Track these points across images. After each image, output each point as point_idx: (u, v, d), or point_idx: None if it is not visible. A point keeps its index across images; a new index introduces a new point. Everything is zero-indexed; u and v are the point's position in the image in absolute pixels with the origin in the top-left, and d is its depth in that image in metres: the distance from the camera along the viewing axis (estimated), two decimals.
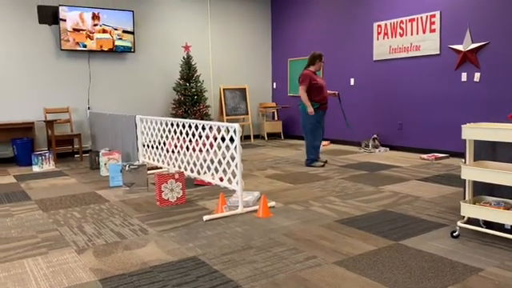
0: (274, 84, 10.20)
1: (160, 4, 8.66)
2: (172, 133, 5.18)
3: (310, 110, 5.86)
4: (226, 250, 2.99)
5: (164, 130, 5.33)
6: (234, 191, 4.20)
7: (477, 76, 6.28)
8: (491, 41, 6.05)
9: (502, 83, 5.92)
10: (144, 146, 5.89)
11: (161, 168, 5.60)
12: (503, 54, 5.91)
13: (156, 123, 5.51)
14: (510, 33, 5.82)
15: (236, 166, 3.90)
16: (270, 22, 10.09)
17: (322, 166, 6.08)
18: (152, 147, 5.74)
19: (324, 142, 8.32)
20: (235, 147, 3.89)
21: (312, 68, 6.03)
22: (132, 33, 8.13)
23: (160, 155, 5.53)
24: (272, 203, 4.08)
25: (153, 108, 8.61)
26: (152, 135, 5.67)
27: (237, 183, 3.93)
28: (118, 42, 8.03)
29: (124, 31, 8.05)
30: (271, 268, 2.67)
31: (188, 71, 8.45)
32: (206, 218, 3.70)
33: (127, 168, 4.86)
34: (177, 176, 4.28)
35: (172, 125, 5.15)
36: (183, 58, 8.50)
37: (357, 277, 2.52)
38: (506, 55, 5.87)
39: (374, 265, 2.69)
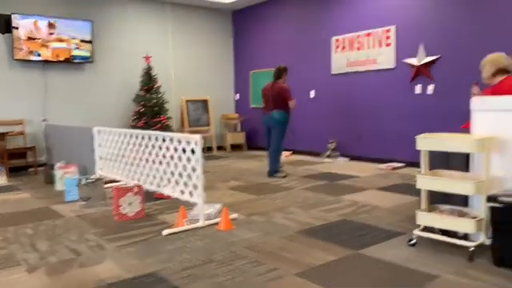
0: (237, 95, 10.21)
1: (120, 14, 8.52)
2: (131, 145, 5.06)
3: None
4: (187, 265, 2.93)
5: (122, 142, 5.20)
6: (195, 204, 4.13)
7: (430, 88, 6.53)
8: (443, 55, 6.32)
9: (454, 95, 6.18)
10: (101, 158, 5.73)
11: (119, 181, 5.45)
12: (454, 67, 6.18)
13: (114, 135, 5.37)
14: (460, 47, 6.10)
15: (197, 178, 3.84)
16: (231, 34, 10.13)
17: (285, 176, 6.12)
18: (110, 160, 5.58)
19: (286, 153, 8.38)
20: (197, 159, 3.84)
21: (281, 81, 6.19)
22: (90, 42, 7.94)
23: (118, 168, 5.38)
24: (234, 215, 4.04)
25: (112, 120, 8.41)
26: (110, 147, 5.52)
27: (198, 196, 3.87)
28: (75, 52, 7.82)
29: (82, 41, 7.85)
30: (232, 282, 2.64)
31: (149, 82, 8.32)
32: (165, 232, 3.61)
33: (84, 182, 4.70)
34: (136, 189, 4.18)
35: (131, 136, 5.04)
36: (144, 68, 8.38)
37: None
38: (457, 68, 6.14)
39: (335, 275, 2.70)
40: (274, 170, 6.17)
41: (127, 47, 8.63)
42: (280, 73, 6.19)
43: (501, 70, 3.75)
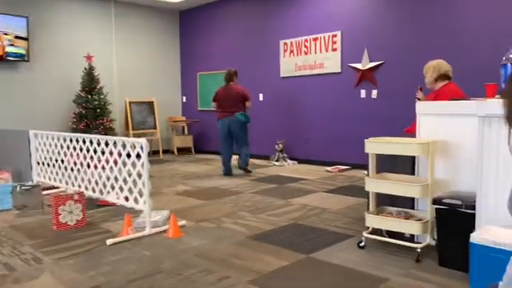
0: (184, 98, 10.01)
1: (59, 11, 8.07)
2: (71, 149, 4.78)
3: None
4: (133, 277, 2.77)
5: (62, 146, 4.90)
6: (141, 211, 3.95)
7: (374, 93, 6.72)
8: (386, 60, 6.53)
9: (397, 99, 6.41)
10: (39, 163, 5.37)
11: (58, 188, 5.13)
12: (397, 72, 6.41)
13: (53, 139, 5.05)
14: (402, 53, 6.33)
15: (143, 184, 3.68)
16: (178, 35, 9.93)
17: (251, 171, 6.72)
18: (48, 165, 5.24)
19: (234, 157, 8.30)
20: (142, 164, 3.68)
21: (233, 84, 6.50)
22: (26, 39, 7.45)
23: (57, 174, 5.06)
24: (182, 222, 3.91)
25: (50, 122, 7.93)
26: (48, 152, 5.18)
27: (144, 203, 3.70)
28: (9, 49, 7.31)
29: (17, 37, 7.35)
30: None
31: (90, 83, 7.95)
32: (109, 241, 3.42)
33: (18, 189, 4.37)
34: (76, 197, 3.94)
35: (71, 140, 4.75)
36: (85, 68, 7.99)
37: None
38: (399, 74, 6.37)
39: (287, 281, 2.66)
40: (246, 161, 6.66)
41: (67, 45, 8.19)
42: (231, 76, 6.48)
43: (442, 76, 3.91)
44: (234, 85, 6.47)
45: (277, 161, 7.62)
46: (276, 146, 7.69)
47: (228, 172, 6.59)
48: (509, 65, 2.51)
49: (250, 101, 6.50)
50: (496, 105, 2.43)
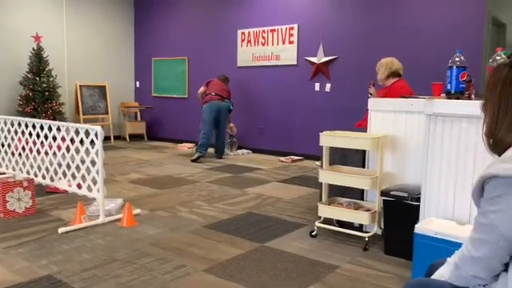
0: (137, 83, 9.80)
1: None
2: (19, 134, 4.58)
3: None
4: (87, 266, 2.75)
5: (9, 131, 4.69)
6: (93, 199, 3.88)
7: (328, 87, 6.91)
8: (340, 55, 6.72)
9: (349, 93, 6.62)
10: None
11: (4, 174, 4.92)
12: (350, 67, 6.62)
13: None
14: (355, 49, 6.54)
15: (97, 171, 3.62)
16: (132, 19, 9.66)
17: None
18: None
19: (189, 145, 8.27)
20: (96, 151, 3.61)
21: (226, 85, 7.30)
22: None
23: (3, 159, 4.85)
24: (137, 211, 3.88)
25: None
26: None
27: (98, 191, 3.64)
28: None
29: None
30: (138, 281, 2.54)
31: (38, 64, 7.59)
32: (61, 230, 3.34)
33: None
34: (25, 184, 3.80)
35: (20, 124, 4.57)
36: (33, 49, 7.61)
37: (226, 283, 2.54)
38: (352, 69, 6.59)
39: (242, 269, 2.74)
40: (223, 150, 7.17)
41: (12, 24, 7.75)
42: (225, 78, 7.36)
43: (393, 73, 4.11)
44: (225, 85, 7.26)
45: (231, 151, 7.62)
46: (228, 130, 7.57)
47: (203, 155, 6.74)
48: (454, 68, 2.69)
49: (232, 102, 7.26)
50: (442, 104, 2.61)
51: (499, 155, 1.18)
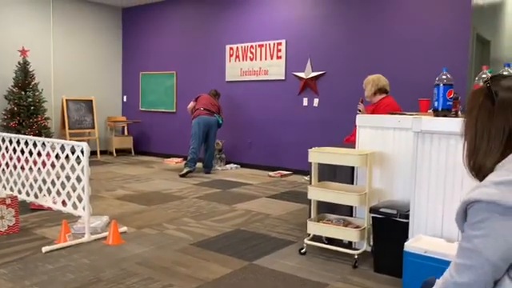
0: (125, 97, 9.74)
1: None
2: (3, 149, 4.50)
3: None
4: (71, 286, 2.68)
5: None
6: (79, 217, 3.81)
7: (316, 101, 6.95)
8: (327, 71, 6.78)
9: (337, 108, 6.66)
10: None
11: None
12: (337, 83, 6.67)
13: None
14: (341, 65, 6.60)
15: (83, 189, 3.55)
16: (121, 33, 9.64)
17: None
18: None
19: (177, 160, 8.22)
20: (82, 168, 3.55)
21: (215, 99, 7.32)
22: None
23: None
24: (123, 228, 3.82)
25: None
26: None
27: (83, 208, 3.58)
28: None
29: None
30: None
31: (24, 78, 7.51)
32: (45, 249, 3.26)
33: None
34: (8, 201, 3.72)
35: (3, 140, 4.49)
36: (18, 63, 7.53)
37: None
38: (339, 84, 6.64)
39: None
40: (212, 165, 7.16)
41: None
42: (216, 93, 7.39)
43: (380, 90, 4.15)
44: (215, 100, 7.27)
45: (219, 166, 7.58)
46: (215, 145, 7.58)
47: (192, 170, 6.71)
48: (441, 85, 2.72)
49: (222, 117, 7.27)
50: (429, 122, 2.63)
51: (480, 180, 1.18)
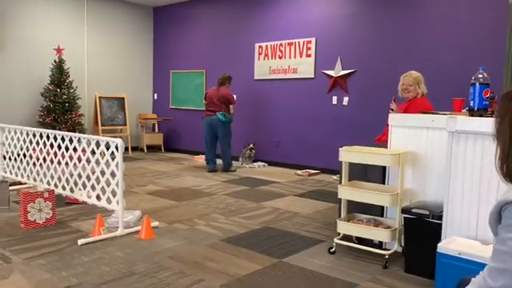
0: (155, 95, 9.91)
1: (28, 1, 7.82)
2: (41, 145, 4.67)
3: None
4: (106, 278, 2.76)
5: (31, 142, 4.78)
6: (112, 211, 3.92)
7: (345, 100, 6.89)
8: (358, 69, 6.71)
9: (367, 107, 6.59)
10: (5, 158, 5.21)
11: (25, 184, 5.00)
12: (368, 81, 6.60)
13: (21, 133, 4.92)
14: (373, 63, 6.52)
15: (117, 184, 3.65)
16: (152, 32, 9.81)
17: (235, 170, 7.00)
18: (15, 160, 5.10)
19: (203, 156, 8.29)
20: (116, 164, 3.65)
21: (224, 88, 6.90)
22: None
23: (25, 169, 4.93)
24: (155, 223, 3.90)
25: (16, 115, 7.67)
26: (16, 146, 5.04)
27: (117, 203, 3.68)
28: None
29: None
30: None
31: (60, 76, 7.76)
32: (81, 241, 3.38)
33: None
34: (46, 194, 3.86)
35: (41, 136, 4.65)
36: (54, 61, 7.79)
37: None
38: (370, 83, 6.56)
39: (260, 285, 2.72)
40: (228, 163, 6.96)
41: (36, 37, 7.95)
42: (224, 80, 6.91)
43: (423, 93, 4.07)
44: (224, 88, 6.91)
45: (245, 164, 7.63)
46: (244, 151, 7.69)
47: (211, 169, 6.94)
48: (477, 84, 2.66)
49: (233, 105, 6.95)
50: (465, 121, 2.58)
51: None
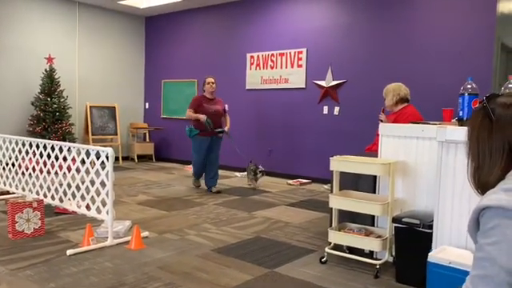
0: (147, 104, 9.89)
1: (19, 9, 7.80)
2: (30, 154, 4.62)
3: (202, 118, 5.77)
4: None
5: (20, 151, 4.73)
6: (101, 221, 3.87)
7: (336, 110, 6.93)
8: (349, 80, 6.76)
9: (357, 117, 6.63)
10: None
11: (13, 194, 4.94)
12: (358, 92, 6.65)
13: (10, 142, 4.87)
14: (363, 74, 6.58)
15: (107, 193, 3.62)
16: (143, 42, 9.82)
17: (198, 186, 6.31)
18: (4, 169, 5.04)
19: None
20: (107, 173, 3.62)
21: (205, 93, 6.12)
22: None
23: (14, 179, 4.87)
24: (145, 233, 3.87)
25: (5, 124, 7.59)
26: (4, 156, 4.99)
27: (107, 213, 3.64)
28: None
29: None
30: None
31: (50, 85, 7.71)
32: (69, 252, 3.33)
33: None
34: (35, 204, 3.81)
35: (31, 145, 4.61)
36: (45, 70, 7.74)
37: None
38: (361, 93, 6.61)
39: None
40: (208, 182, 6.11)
41: (27, 45, 7.91)
42: (202, 85, 6.23)
43: (401, 99, 4.12)
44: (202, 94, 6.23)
45: (254, 174, 6.45)
46: (252, 167, 6.53)
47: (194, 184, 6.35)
48: (466, 95, 2.70)
49: (188, 110, 5.99)
50: (454, 131, 2.60)
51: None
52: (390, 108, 4.21)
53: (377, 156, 3.44)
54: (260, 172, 6.41)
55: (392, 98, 4.13)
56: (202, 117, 5.79)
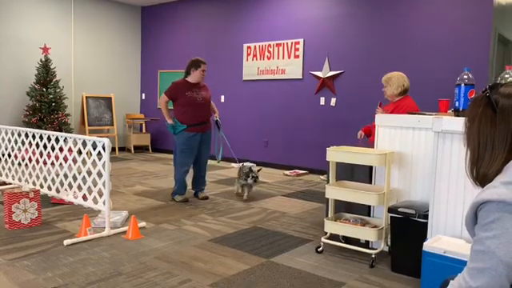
0: (143, 95, 9.85)
1: None
2: (27, 144, 4.61)
3: (169, 121, 4.93)
4: (92, 279, 2.73)
5: (16, 141, 4.72)
6: (99, 211, 3.88)
7: (333, 101, 6.93)
8: (345, 70, 6.75)
9: (354, 108, 6.64)
10: None
11: (10, 184, 4.94)
12: (355, 82, 6.64)
13: (6, 133, 4.85)
14: (360, 65, 6.57)
15: (103, 184, 3.62)
16: (139, 31, 9.75)
17: (185, 201, 4.85)
18: (0, 160, 5.03)
19: None
20: (103, 163, 3.62)
21: (189, 78, 4.87)
22: None
23: (10, 169, 4.86)
24: (142, 223, 3.88)
25: (1, 114, 7.57)
26: (0, 146, 4.97)
27: (103, 203, 3.64)
28: None
29: None
30: None
31: (46, 75, 7.66)
32: (67, 242, 3.34)
33: None
34: (31, 195, 3.81)
35: (27, 135, 4.59)
36: (41, 60, 7.69)
37: None
38: (357, 84, 6.61)
39: (248, 285, 2.72)
40: (174, 191, 4.96)
41: (22, 35, 7.85)
42: (188, 67, 4.92)
43: (405, 90, 4.09)
44: (184, 78, 5.11)
45: (253, 178, 5.02)
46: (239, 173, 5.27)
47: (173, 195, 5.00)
48: (462, 85, 2.70)
49: (161, 96, 5.18)
50: (450, 122, 2.61)
51: (483, 187, 1.17)
52: (391, 98, 4.15)
53: (373, 146, 3.45)
54: (253, 178, 4.98)
55: (397, 88, 4.05)
56: (169, 121, 4.91)
